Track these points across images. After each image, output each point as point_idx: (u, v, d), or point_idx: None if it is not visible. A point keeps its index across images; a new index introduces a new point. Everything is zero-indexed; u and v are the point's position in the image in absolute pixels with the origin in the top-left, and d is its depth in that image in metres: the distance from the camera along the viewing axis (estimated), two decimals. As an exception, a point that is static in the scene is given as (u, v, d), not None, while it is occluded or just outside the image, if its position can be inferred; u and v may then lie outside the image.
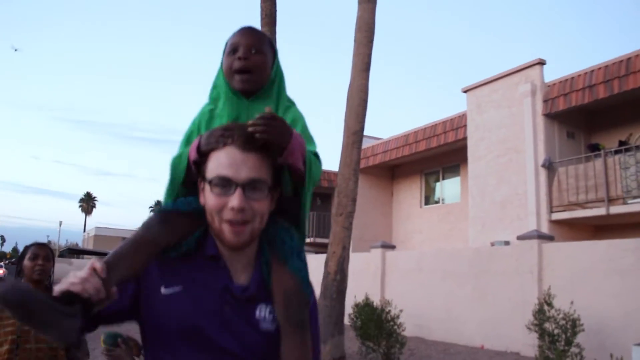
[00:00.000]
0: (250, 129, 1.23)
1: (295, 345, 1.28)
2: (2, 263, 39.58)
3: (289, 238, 1.36)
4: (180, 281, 1.28)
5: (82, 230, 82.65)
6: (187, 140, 1.40)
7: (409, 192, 19.84)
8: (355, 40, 9.46)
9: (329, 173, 21.83)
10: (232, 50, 1.42)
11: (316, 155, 1.41)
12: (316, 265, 12.50)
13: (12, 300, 0.98)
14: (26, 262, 3.08)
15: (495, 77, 14.51)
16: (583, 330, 7.88)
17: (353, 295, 10.22)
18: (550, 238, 10.49)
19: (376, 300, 10.99)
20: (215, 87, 1.48)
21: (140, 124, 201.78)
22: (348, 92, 9.42)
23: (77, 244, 72.84)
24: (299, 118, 1.46)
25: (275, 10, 9.72)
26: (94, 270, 1.10)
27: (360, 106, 9.26)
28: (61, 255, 42.05)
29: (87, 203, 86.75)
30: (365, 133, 9.78)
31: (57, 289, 1.05)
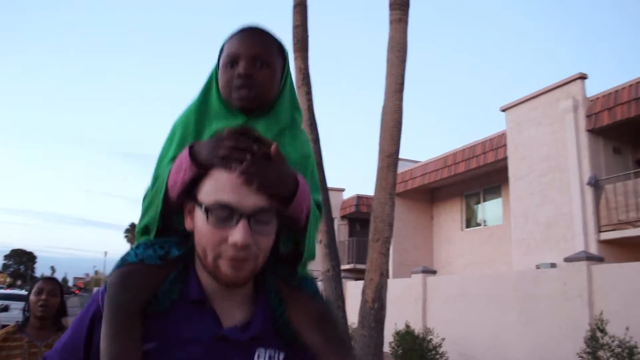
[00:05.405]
0: (238, 173, 0.96)
1: None
2: None
3: None
4: (157, 335, 1.00)
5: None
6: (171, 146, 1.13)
7: (450, 215, 19.38)
8: (387, 61, 9.26)
9: (367, 198, 21.55)
10: (230, 61, 1.12)
11: (319, 206, 1.14)
12: (356, 293, 12.22)
13: None
14: (32, 296, 2.99)
15: (535, 94, 14.09)
16: (641, 358, 7.37)
17: (394, 323, 9.89)
18: (599, 259, 9.96)
19: (418, 328, 10.62)
20: (202, 99, 1.16)
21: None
22: (382, 114, 9.20)
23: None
24: (309, 154, 1.18)
25: (307, 36, 9.63)
26: None
27: (394, 128, 9.01)
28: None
29: (132, 233, 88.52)
30: (402, 156, 9.54)
31: None
